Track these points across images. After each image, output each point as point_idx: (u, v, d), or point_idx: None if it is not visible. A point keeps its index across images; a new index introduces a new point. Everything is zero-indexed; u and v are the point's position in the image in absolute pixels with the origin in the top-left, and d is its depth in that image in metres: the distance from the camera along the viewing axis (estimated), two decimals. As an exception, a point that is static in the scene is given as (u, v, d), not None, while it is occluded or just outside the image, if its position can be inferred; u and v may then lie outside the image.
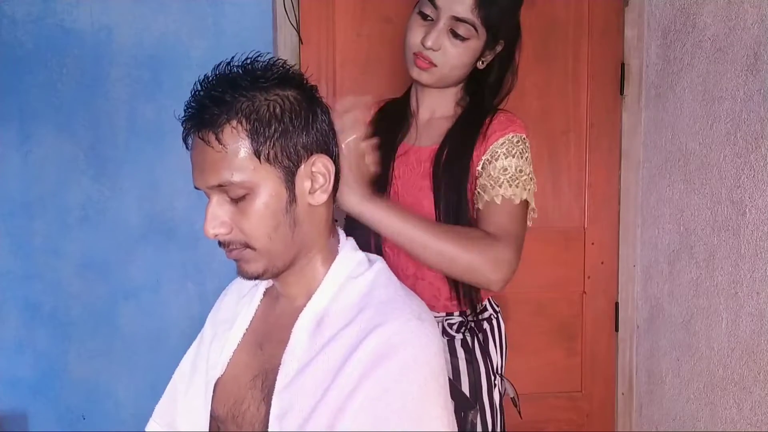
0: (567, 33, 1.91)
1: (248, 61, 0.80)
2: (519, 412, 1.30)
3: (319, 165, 0.81)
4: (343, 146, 0.91)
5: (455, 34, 1.11)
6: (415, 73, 1.16)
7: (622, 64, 1.93)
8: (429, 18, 1.12)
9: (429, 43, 1.11)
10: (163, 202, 1.83)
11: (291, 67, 0.83)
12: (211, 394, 0.88)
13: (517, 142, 1.15)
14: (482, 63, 1.18)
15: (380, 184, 1.17)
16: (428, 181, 1.17)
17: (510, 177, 1.13)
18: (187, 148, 0.81)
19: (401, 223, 1.02)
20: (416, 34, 1.13)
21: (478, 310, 1.22)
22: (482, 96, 1.22)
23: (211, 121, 0.76)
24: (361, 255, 0.88)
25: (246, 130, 0.76)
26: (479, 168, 1.15)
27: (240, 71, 0.79)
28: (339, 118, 0.93)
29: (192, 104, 0.78)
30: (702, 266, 1.64)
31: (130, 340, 1.84)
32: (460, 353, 1.21)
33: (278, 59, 0.82)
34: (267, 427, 0.78)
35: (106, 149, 1.80)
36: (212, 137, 0.76)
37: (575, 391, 2.01)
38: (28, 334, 1.80)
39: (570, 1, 1.90)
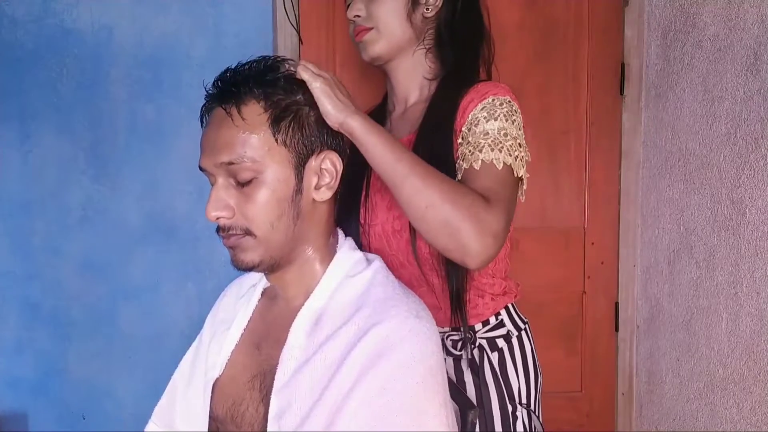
0: (567, 33, 1.91)
1: (278, 60, 0.84)
2: None
3: (328, 162, 0.83)
4: (322, 80, 0.85)
5: None
6: (362, 51, 1.12)
7: (622, 64, 1.93)
8: None
9: (352, 13, 1.10)
10: (163, 202, 1.83)
11: None
12: (210, 394, 0.88)
13: (500, 104, 1.01)
14: (427, 9, 1.10)
15: (356, 189, 1.10)
16: None
17: (492, 140, 0.97)
18: (202, 126, 0.83)
19: (388, 145, 0.89)
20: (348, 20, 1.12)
21: (465, 326, 1.05)
22: (454, 61, 1.11)
23: (236, 94, 0.79)
24: (359, 254, 0.88)
25: (268, 109, 0.79)
26: (459, 140, 1.02)
27: (266, 64, 0.83)
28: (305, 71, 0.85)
29: (217, 82, 0.81)
30: (702, 266, 1.64)
31: (130, 340, 1.84)
32: (468, 376, 1.08)
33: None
34: (266, 427, 0.78)
35: (106, 149, 1.80)
36: (234, 110, 0.78)
37: (575, 391, 2.00)
38: (28, 334, 1.80)
39: (570, 1, 1.90)
